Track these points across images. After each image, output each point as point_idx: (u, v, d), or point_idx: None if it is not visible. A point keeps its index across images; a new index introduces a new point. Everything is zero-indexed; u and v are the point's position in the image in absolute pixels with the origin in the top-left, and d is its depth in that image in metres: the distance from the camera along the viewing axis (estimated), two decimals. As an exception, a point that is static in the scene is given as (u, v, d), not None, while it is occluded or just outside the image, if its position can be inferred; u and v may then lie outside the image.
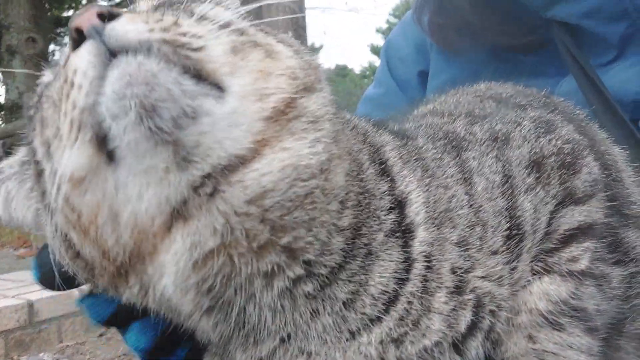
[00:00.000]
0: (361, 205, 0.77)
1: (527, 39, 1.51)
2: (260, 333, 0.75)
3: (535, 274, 0.85)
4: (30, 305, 4.21)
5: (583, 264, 0.85)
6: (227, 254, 0.67)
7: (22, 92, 10.73)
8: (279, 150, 0.66)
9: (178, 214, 0.65)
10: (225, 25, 0.69)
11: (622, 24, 1.31)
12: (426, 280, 0.77)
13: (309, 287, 0.72)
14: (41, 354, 4.11)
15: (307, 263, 0.72)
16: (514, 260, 0.82)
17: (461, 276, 0.79)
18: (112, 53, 0.61)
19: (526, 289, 0.84)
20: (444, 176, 0.85)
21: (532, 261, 0.85)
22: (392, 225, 0.78)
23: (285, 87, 0.69)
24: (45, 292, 4.40)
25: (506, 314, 0.81)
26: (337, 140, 0.74)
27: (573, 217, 0.87)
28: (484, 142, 0.91)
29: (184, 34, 0.64)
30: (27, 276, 5.25)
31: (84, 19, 0.63)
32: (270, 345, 0.76)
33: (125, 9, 0.74)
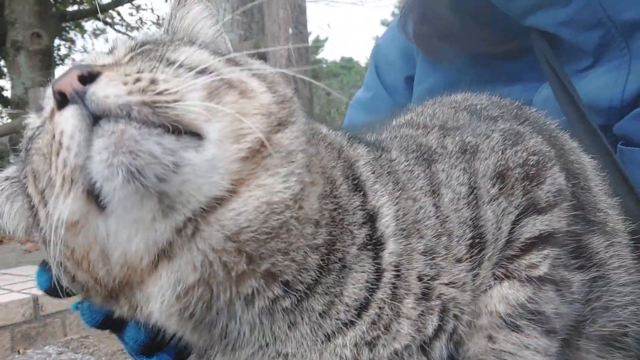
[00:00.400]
0: (335, 221, 0.80)
1: (508, 46, 1.53)
2: (239, 343, 0.80)
3: (496, 279, 0.88)
4: (36, 299, 4.26)
5: (542, 270, 0.88)
6: (206, 284, 0.72)
7: (28, 87, 10.77)
8: (254, 188, 0.70)
9: (163, 254, 0.69)
10: (200, 71, 0.72)
11: (597, 33, 1.33)
12: (395, 288, 0.81)
13: (286, 303, 0.77)
14: (46, 347, 4.16)
15: (286, 283, 0.76)
16: (476, 268, 0.86)
17: (428, 283, 0.82)
18: (95, 117, 0.64)
19: (487, 293, 0.87)
20: (414, 188, 0.88)
21: (493, 267, 0.88)
22: (364, 239, 0.82)
23: (260, 125, 0.72)
24: (50, 287, 4.46)
25: (468, 317, 0.85)
26: (310, 167, 0.77)
27: (535, 226, 0.90)
28: (454, 154, 0.94)
29: (161, 93, 0.66)
30: (33, 271, 5.29)
31: (66, 83, 0.65)
32: (249, 351, 0.80)
33: (104, 62, 0.78)
